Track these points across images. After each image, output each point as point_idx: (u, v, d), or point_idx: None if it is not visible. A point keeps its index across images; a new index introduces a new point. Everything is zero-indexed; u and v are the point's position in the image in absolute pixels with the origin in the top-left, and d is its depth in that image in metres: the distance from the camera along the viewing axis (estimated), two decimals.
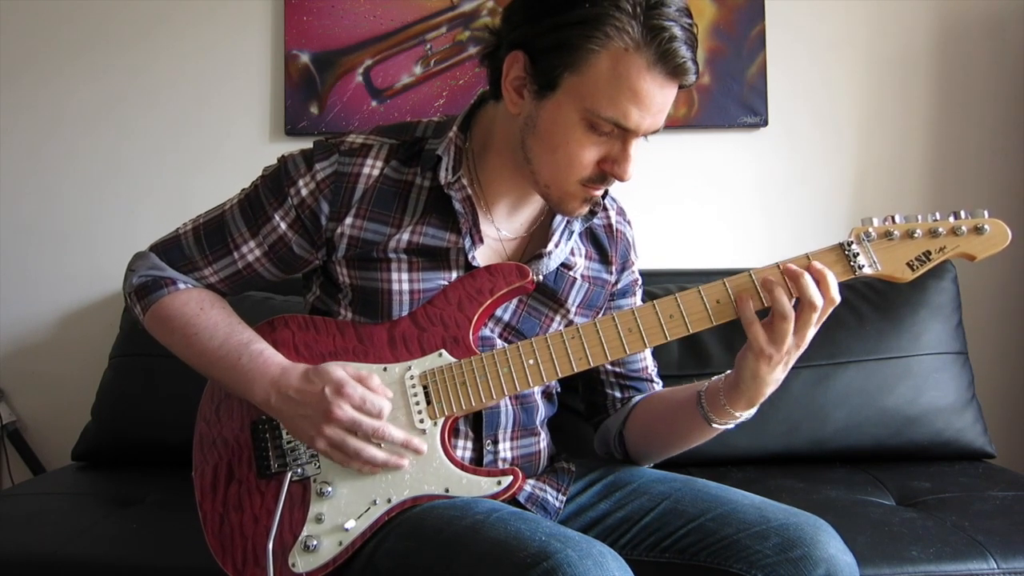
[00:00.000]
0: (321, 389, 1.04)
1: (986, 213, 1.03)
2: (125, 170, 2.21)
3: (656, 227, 2.15)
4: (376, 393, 1.06)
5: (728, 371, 1.11)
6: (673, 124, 2.15)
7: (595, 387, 1.31)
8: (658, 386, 1.31)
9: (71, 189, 2.21)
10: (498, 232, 1.18)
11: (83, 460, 1.94)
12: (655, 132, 1.04)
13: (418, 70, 2.17)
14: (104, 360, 2.01)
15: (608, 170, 1.05)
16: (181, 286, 1.19)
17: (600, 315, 1.27)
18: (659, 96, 0.99)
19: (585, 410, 1.34)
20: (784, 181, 2.18)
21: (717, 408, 1.11)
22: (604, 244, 1.27)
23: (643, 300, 1.33)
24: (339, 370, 1.06)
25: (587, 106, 0.99)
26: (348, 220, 1.13)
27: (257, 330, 1.17)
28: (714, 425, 1.13)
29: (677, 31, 0.96)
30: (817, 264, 1.02)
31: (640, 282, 1.34)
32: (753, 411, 1.11)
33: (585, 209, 1.12)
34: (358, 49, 2.17)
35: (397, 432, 1.06)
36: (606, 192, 1.23)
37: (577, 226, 1.21)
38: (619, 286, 1.30)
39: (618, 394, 1.29)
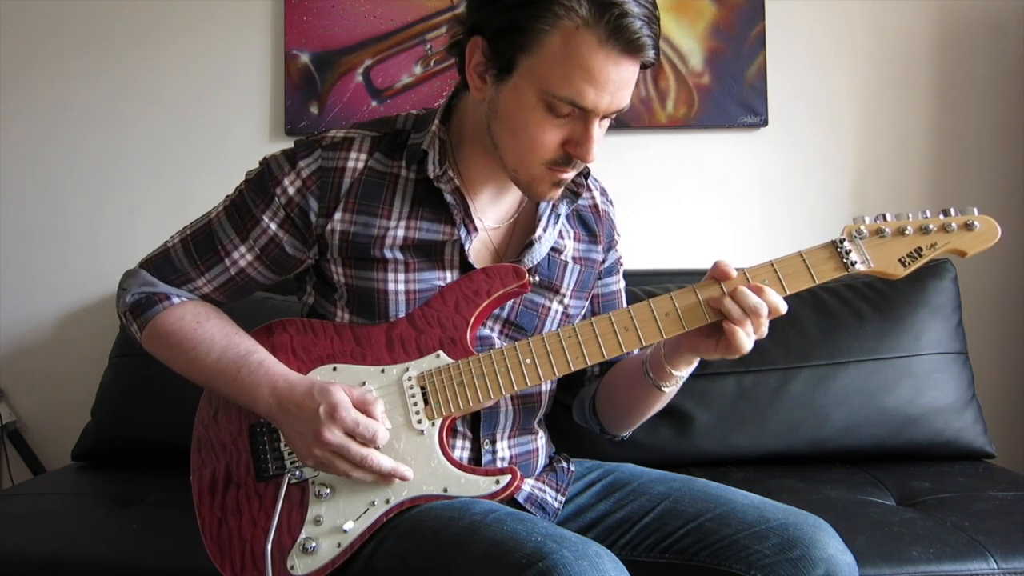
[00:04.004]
0: (317, 408, 1.04)
1: (976, 210, 1.05)
2: (125, 170, 2.21)
3: (656, 227, 2.16)
4: (375, 420, 1.06)
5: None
6: (673, 124, 2.15)
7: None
8: None
9: (71, 189, 2.21)
10: (482, 222, 1.18)
11: (83, 460, 1.94)
12: (619, 112, 1.03)
13: (418, 70, 2.17)
14: (104, 360, 2.01)
15: (572, 152, 1.04)
16: (175, 300, 1.18)
17: (590, 296, 1.28)
18: (614, 73, 0.98)
19: (564, 381, 1.34)
20: (784, 181, 2.18)
21: (662, 373, 1.14)
22: (592, 224, 1.27)
23: (626, 279, 1.36)
24: (340, 393, 1.05)
25: (543, 87, 0.99)
26: (337, 215, 1.13)
27: (254, 335, 1.16)
28: (664, 390, 1.16)
29: (631, 7, 0.95)
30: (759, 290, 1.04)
31: (622, 260, 1.36)
32: (694, 365, 1.14)
33: (556, 193, 1.11)
34: (358, 49, 2.17)
35: (386, 461, 1.05)
36: (588, 173, 1.23)
37: (563, 209, 1.21)
38: (605, 265, 1.31)
39: (596, 370, 1.31)
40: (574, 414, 1.37)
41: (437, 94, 2.17)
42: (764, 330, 1.04)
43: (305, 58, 2.16)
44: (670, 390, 1.17)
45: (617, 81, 0.99)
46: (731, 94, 2.14)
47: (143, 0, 2.19)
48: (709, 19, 2.13)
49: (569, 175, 1.09)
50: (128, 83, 2.21)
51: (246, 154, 2.17)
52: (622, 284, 1.35)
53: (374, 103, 2.17)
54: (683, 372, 1.14)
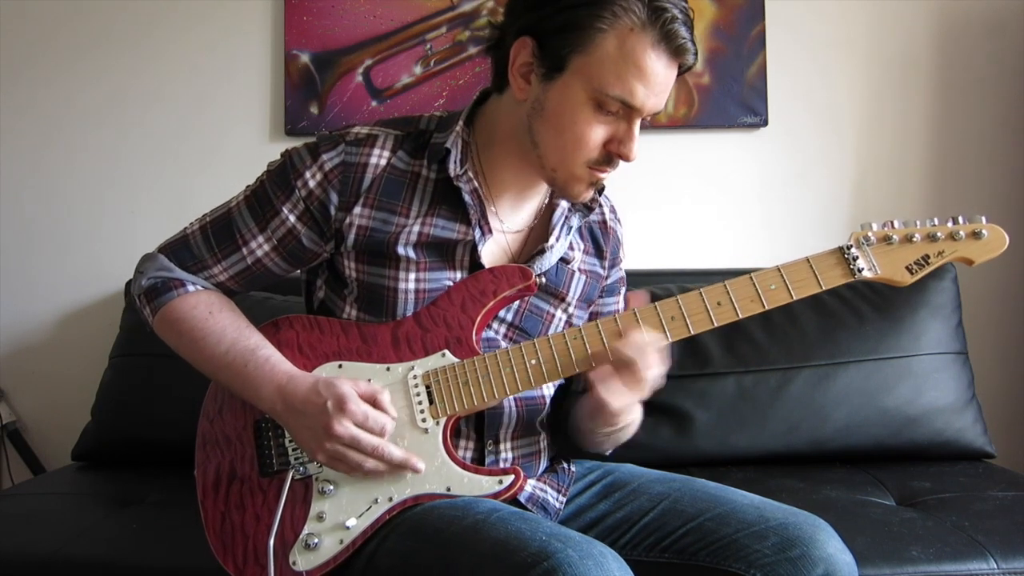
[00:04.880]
0: (324, 403, 1.04)
1: (983, 219, 1.05)
2: (125, 170, 2.21)
3: (656, 227, 2.16)
4: (383, 411, 1.06)
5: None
6: (673, 124, 2.15)
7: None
8: None
9: (71, 189, 2.21)
10: (501, 225, 1.18)
11: (83, 460, 1.93)
12: (657, 114, 1.07)
13: (418, 70, 2.17)
14: (104, 360, 2.01)
15: (614, 151, 1.07)
16: (190, 288, 1.18)
17: (590, 308, 1.29)
18: (663, 75, 1.03)
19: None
20: (784, 181, 2.18)
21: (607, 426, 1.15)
22: (600, 240, 1.28)
23: (626, 300, 1.36)
24: (346, 385, 1.05)
25: (595, 85, 1.02)
26: (357, 210, 1.13)
27: (261, 330, 1.17)
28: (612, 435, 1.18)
29: (677, 12, 1.01)
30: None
31: (624, 279, 1.36)
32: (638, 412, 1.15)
33: (590, 194, 1.14)
34: (358, 49, 2.17)
35: (397, 451, 1.05)
36: (602, 189, 1.25)
37: (575, 221, 1.22)
38: (608, 282, 1.31)
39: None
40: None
41: (437, 94, 2.17)
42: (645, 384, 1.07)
43: (305, 58, 2.16)
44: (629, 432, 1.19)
45: (663, 83, 1.04)
46: (731, 94, 2.14)
47: (143, 0, 2.19)
48: (709, 19, 2.13)
49: (605, 176, 1.11)
50: (128, 83, 2.20)
51: (246, 154, 2.19)
52: (620, 306, 1.35)
53: (374, 103, 2.17)
54: (624, 422, 1.15)
